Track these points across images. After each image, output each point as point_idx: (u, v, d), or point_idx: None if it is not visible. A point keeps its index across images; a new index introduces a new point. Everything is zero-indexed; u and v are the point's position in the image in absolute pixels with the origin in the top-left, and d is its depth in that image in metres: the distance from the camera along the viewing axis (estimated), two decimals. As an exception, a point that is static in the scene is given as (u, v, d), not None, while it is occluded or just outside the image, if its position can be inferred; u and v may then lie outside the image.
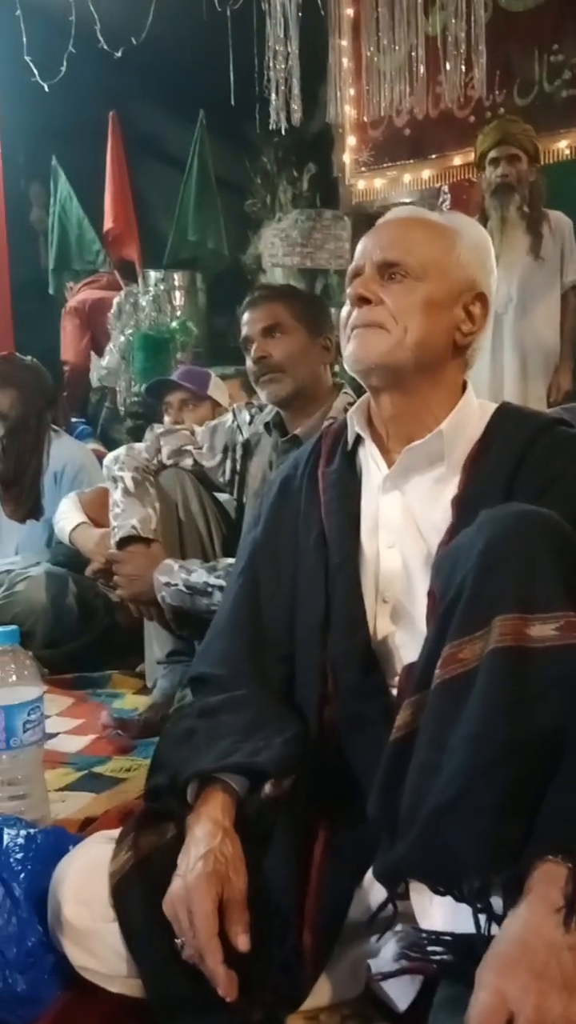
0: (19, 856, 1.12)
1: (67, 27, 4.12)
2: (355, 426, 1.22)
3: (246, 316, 2.02)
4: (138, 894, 1.02)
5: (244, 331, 2.01)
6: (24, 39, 4.14)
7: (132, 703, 2.27)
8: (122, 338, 4.36)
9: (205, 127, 4.91)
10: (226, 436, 2.17)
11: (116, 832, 1.13)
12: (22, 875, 1.09)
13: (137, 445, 2.24)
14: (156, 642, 2.20)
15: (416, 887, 0.92)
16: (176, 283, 5.13)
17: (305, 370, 1.98)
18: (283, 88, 3.47)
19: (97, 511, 2.66)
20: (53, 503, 2.99)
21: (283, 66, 3.42)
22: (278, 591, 1.25)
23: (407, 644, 1.14)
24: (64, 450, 3.10)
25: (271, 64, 3.44)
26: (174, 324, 4.41)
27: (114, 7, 4.01)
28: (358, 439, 1.24)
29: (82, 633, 2.72)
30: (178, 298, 4.99)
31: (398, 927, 0.97)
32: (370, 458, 1.21)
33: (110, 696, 2.35)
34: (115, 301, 4.48)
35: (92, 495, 2.75)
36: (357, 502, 1.21)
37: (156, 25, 4.02)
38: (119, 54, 4.09)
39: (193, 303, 5.21)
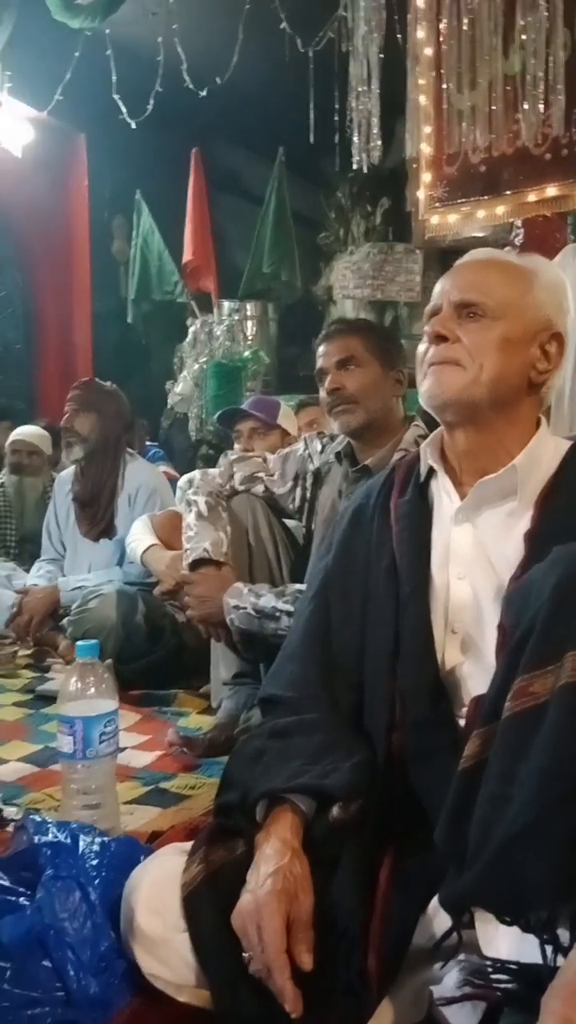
0: (94, 863, 1.17)
1: (155, 66, 4.29)
2: (429, 459, 1.25)
3: (322, 348, 2.07)
4: (209, 906, 1.06)
5: (320, 363, 2.07)
6: (114, 78, 4.32)
7: (196, 722, 2.32)
8: (196, 366, 4.47)
9: (284, 164, 5.04)
10: (297, 464, 2.21)
11: (188, 845, 1.17)
12: (97, 881, 1.14)
13: (211, 471, 2.30)
14: (223, 664, 2.24)
15: (482, 916, 0.93)
16: (248, 313, 5.25)
17: (377, 402, 2.02)
18: (364, 127, 3.55)
19: (168, 533, 2.74)
20: (126, 524, 3.09)
21: (365, 105, 3.50)
22: (348, 618, 1.28)
23: (474, 675, 1.16)
24: (139, 473, 3.20)
25: (353, 104, 3.52)
26: (247, 353, 4.50)
27: (200, 48, 4.17)
28: (431, 471, 1.27)
29: (150, 652, 2.78)
30: (250, 328, 5.10)
31: (461, 955, 0.98)
32: (442, 490, 1.24)
33: (175, 714, 2.40)
34: (191, 330, 4.60)
35: (163, 518, 2.83)
36: (428, 533, 1.23)
37: (239, 65, 4.16)
38: (204, 93, 4.24)
39: (264, 333, 5.32)
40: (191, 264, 5.05)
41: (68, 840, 1.18)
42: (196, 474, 2.31)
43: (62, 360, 5.62)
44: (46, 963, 1.06)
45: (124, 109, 4.39)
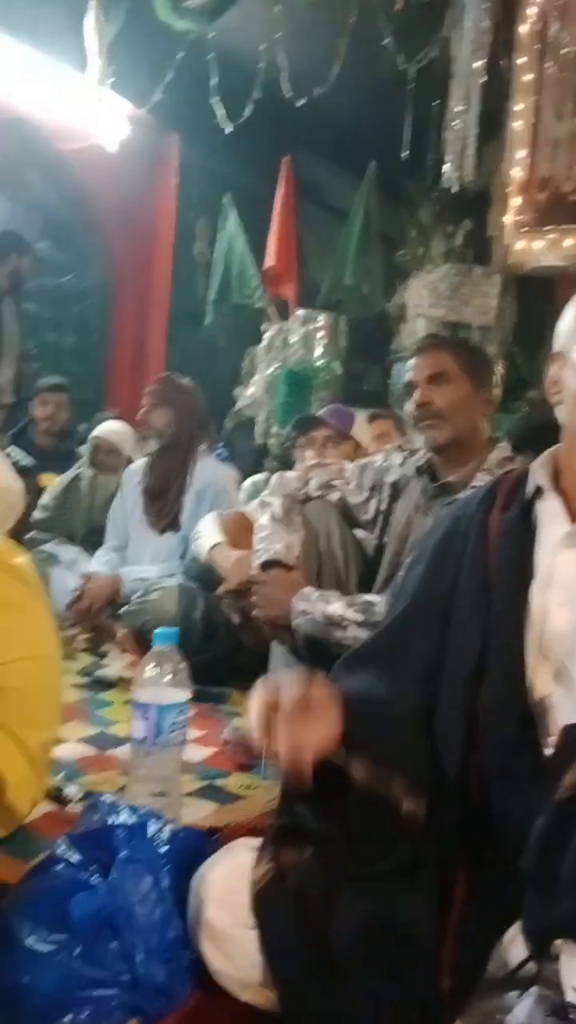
0: (163, 850, 1.17)
1: (254, 74, 4.34)
2: (539, 479, 1.23)
3: (413, 361, 2.06)
4: (278, 906, 1.05)
5: (410, 375, 2.06)
6: (213, 81, 4.38)
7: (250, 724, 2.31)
8: (268, 371, 4.50)
9: (373, 178, 5.05)
10: (375, 475, 2.21)
11: (258, 841, 1.17)
12: (167, 868, 1.14)
13: (288, 474, 2.31)
14: (282, 668, 2.23)
15: (570, 949, 0.91)
16: (320, 324, 5.26)
17: (465, 420, 2.00)
18: (458, 147, 3.54)
19: (235, 533, 2.75)
20: (192, 520, 3.11)
21: (461, 126, 3.49)
22: (431, 625, 1.26)
23: (564, 705, 1.13)
24: (209, 471, 3.23)
25: (450, 124, 3.52)
26: (319, 363, 4.52)
27: (302, 58, 4.21)
28: (537, 491, 1.25)
29: (205, 649, 2.79)
30: (321, 339, 5.11)
31: (536, 988, 0.96)
32: (551, 512, 1.22)
33: (229, 714, 2.40)
34: (266, 335, 4.63)
35: (232, 518, 2.84)
36: (530, 554, 1.21)
37: (339, 78, 4.19)
38: (302, 102, 4.28)
39: (334, 344, 5.33)
40: (273, 270, 5.08)
41: (141, 824, 1.19)
42: (274, 477, 2.31)
43: (135, 355, 5.69)
44: (114, 945, 1.06)
45: (220, 113, 4.44)
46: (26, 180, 5.31)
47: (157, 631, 1.53)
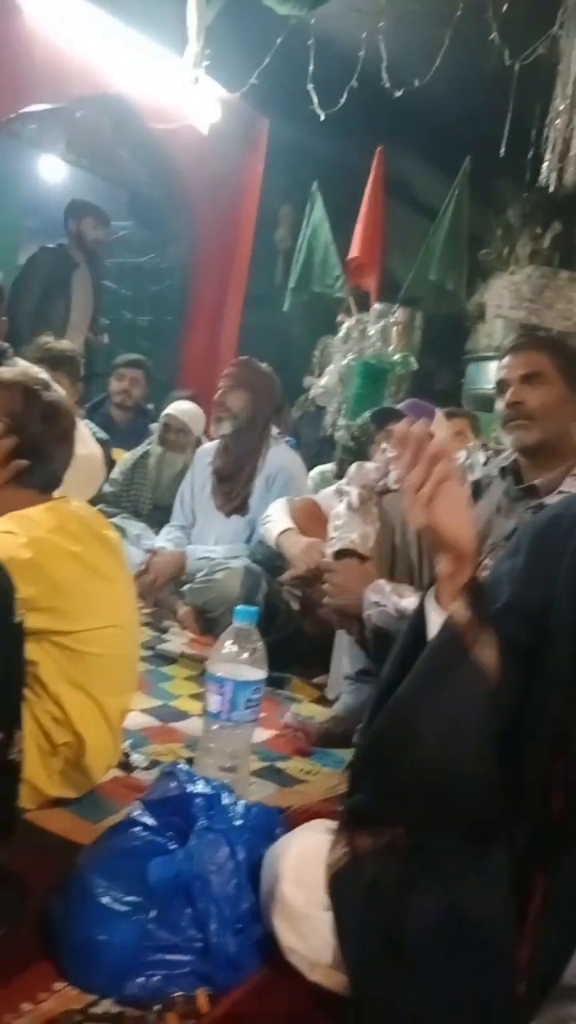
0: (238, 823, 1.18)
1: (354, 62, 4.31)
2: None
3: (507, 359, 2.02)
4: (353, 892, 1.05)
5: (502, 374, 2.02)
6: (311, 68, 4.36)
7: (308, 710, 2.31)
8: (344, 362, 4.47)
9: (468, 174, 4.97)
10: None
11: (332, 823, 1.16)
12: (242, 841, 1.14)
13: (367, 464, 2.29)
14: (347, 657, 2.23)
15: None
16: (397, 318, 5.21)
17: (556, 422, 1.95)
18: (559, 146, 3.47)
19: (304, 520, 2.75)
20: (260, 504, 3.12)
21: (564, 125, 3.42)
22: (523, 619, 1.24)
23: None
24: (280, 457, 3.23)
25: (553, 122, 3.45)
26: (396, 357, 4.48)
27: (404, 49, 4.15)
28: None
29: (266, 633, 2.78)
30: (397, 333, 5.07)
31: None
32: None
33: (288, 699, 2.41)
34: (344, 326, 4.60)
35: (302, 504, 2.85)
36: None
37: (439, 71, 4.13)
38: (399, 93, 4.24)
39: (408, 340, 5.28)
40: (356, 261, 5.05)
41: (217, 795, 1.19)
42: (353, 467, 2.29)
43: (208, 338, 5.71)
44: (188, 912, 1.07)
45: (316, 100, 4.41)
46: (116, 158, 5.37)
47: (237, 608, 1.54)
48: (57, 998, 1.01)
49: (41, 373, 1.60)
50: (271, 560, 2.90)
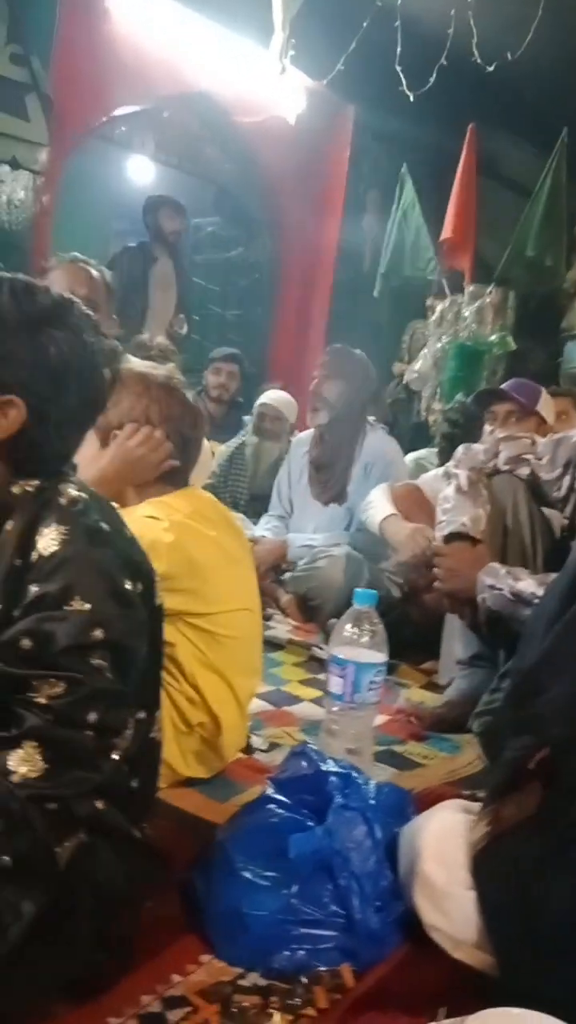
0: (372, 802, 1.18)
1: (443, 40, 4.23)
2: None
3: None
4: (496, 871, 1.03)
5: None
6: (399, 49, 4.31)
7: (418, 696, 2.30)
8: (438, 345, 4.42)
9: (564, 147, 4.82)
10: (570, 452, 2.11)
11: (467, 803, 1.15)
12: (378, 818, 1.14)
13: (475, 446, 2.25)
14: (459, 642, 2.20)
15: None
16: (491, 298, 5.11)
17: None
18: None
19: (407, 506, 2.73)
20: (358, 492, 3.11)
21: None
22: None
23: None
24: (377, 444, 3.21)
25: None
26: (493, 337, 4.39)
27: (494, 23, 4.06)
28: None
29: (369, 619, 2.79)
30: (491, 313, 4.97)
31: None
32: None
33: (397, 685, 2.40)
34: (438, 308, 4.54)
35: (402, 490, 2.82)
36: None
37: (532, 43, 4.02)
38: (491, 68, 4.14)
39: (502, 320, 5.17)
40: (450, 242, 4.97)
41: (350, 774, 1.20)
42: (460, 449, 2.26)
43: (297, 329, 5.73)
44: (329, 887, 1.07)
45: (405, 81, 4.36)
46: (203, 154, 5.43)
47: (357, 591, 1.54)
48: (205, 970, 1.03)
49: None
50: (372, 547, 2.89)
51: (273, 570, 3.22)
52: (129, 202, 6.11)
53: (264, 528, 3.34)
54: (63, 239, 4.22)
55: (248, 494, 3.90)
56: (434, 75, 4.29)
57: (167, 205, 4.83)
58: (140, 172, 6.45)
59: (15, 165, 3.90)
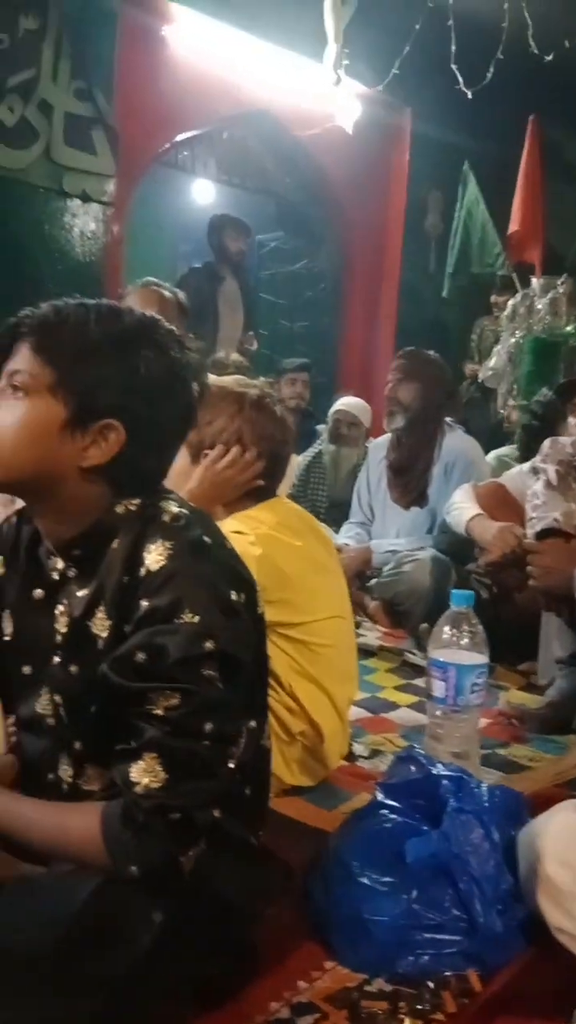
0: (486, 805, 1.16)
1: (498, 33, 4.18)
2: None
3: None
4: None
5: None
6: (453, 48, 4.27)
7: (517, 698, 2.26)
8: (512, 340, 4.35)
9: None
10: None
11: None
12: (495, 822, 1.13)
13: (562, 439, 2.21)
14: (558, 641, 2.16)
15: None
16: (562, 290, 4.99)
17: None
18: None
19: (492, 505, 2.68)
20: (440, 494, 3.08)
21: None
22: None
23: None
24: (457, 444, 3.17)
25: None
26: (569, 327, 4.30)
27: (549, 11, 3.99)
28: None
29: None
30: (565, 304, 4.85)
31: None
32: None
33: (494, 687, 2.35)
34: (510, 303, 4.48)
35: (487, 489, 2.78)
36: None
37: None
38: (549, 58, 4.07)
39: (573, 311, 5.04)
40: (517, 235, 4.89)
41: (461, 777, 1.19)
42: (546, 443, 2.22)
43: (365, 336, 5.72)
44: (450, 891, 1.06)
45: (461, 79, 4.32)
46: (263, 171, 5.48)
47: (454, 592, 1.53)
48: (330, 976, 1.04)
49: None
50: (458, 548, 2.86)
51: (358, 577, 3.22)
52: (194, 224, 6.22)
53: (346, 536, 3.34)
54: (134, 266, 4.33)
55: (328, 502, 3.90)
56: (491, 70, 4.24)
57: (231, 225, 4.90)
58: (203, 194, 6.56)
59: (85, 198, 4.02)
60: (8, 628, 1.09)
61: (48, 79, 3.78)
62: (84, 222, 4.08)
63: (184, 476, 1.56)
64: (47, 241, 3.97)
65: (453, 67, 4.32)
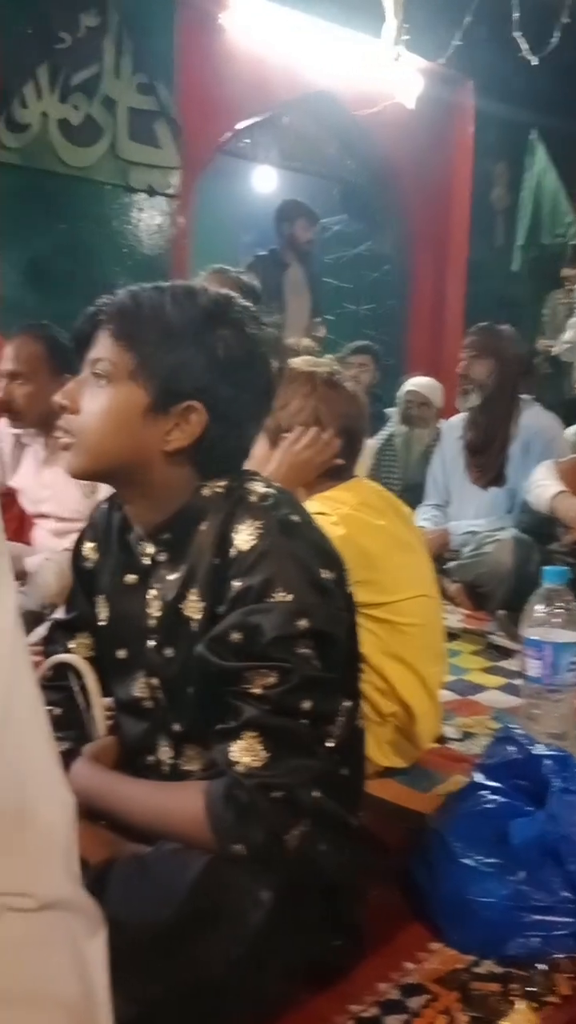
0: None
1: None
2: None
3: None
4: None
5: None
6: (516, 14, 4.15)
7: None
8: (587, 312, 4.22)
9: None
10: None
11: None
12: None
13: None
14: None
15: None
16: None
17: None
18: None
19: (574, 481, 2.62)
20: (518, 472, 3.00)
21: None
22: None
23: None
24: (535, 420, 3.09)
25: None
26: None
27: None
28: None
29: (541, 603, 2.69)
30: None
31: None
32: None
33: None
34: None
35: (568, 465, 2.70)
36: None
37: None
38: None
39: None
40: (591, 200, 4.76)
41: (565, 757, 1.15)
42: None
43: (433, 314, 5.63)
44: (559, 873, 1.04)
45: (524, 47, 4.20)
46: (325, 154, 5.44)
47: (547, 569, 1.49)
48: (437, 958, 1.02)
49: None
50: (539, 527, 2.79)
51: (437, 560, 3.16)
52: (256, 213, 6.22)
53: (422, 519, 3.29)
54: (199, 258, 4.35)
55: (401, 485, 3.84)
56: (556, 35, 4.10)
57: (303, 216, 4.89)
58: (265, 180, 6.55)
59: (151, 192, 4.05)
60: (103, 613, 1.11)
61: (111, 75, 3.82)
62: (150, 216, 4.11)
63: (264, 462, 1.56)
64: (115, 237, 4.02)
65: (516, 35, 4.20)
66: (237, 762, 0.89)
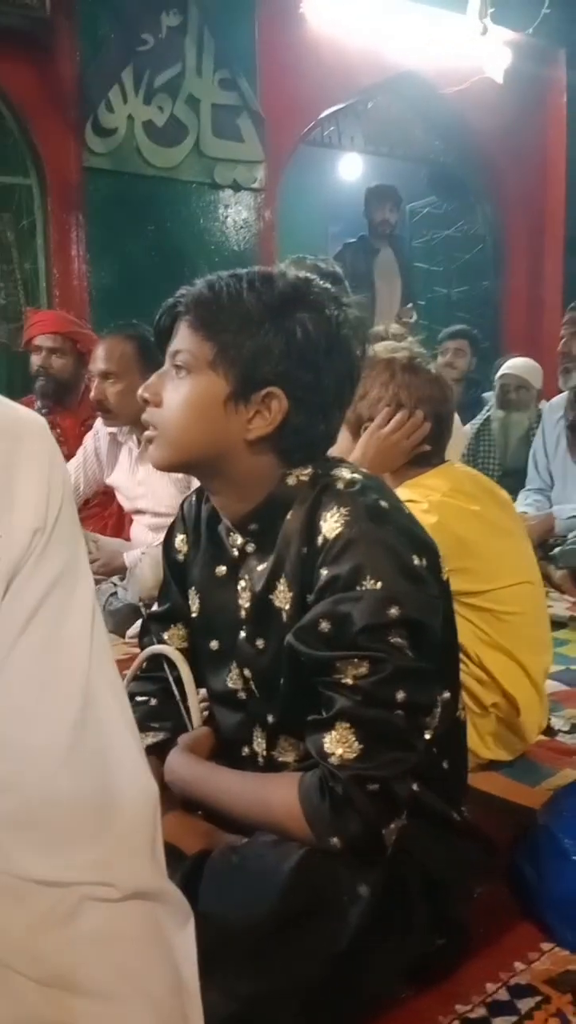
0: None
1: None
2: None
3: None
4: None
5: None
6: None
7: None
8: None
9: None
10: None
11: None
12: None
13: None
14: None
15: None
16: None
17: None
18: None
19: None
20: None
21: None
22: None
23: None
24: None
25: None
26: None
27: None
28: None
29: None
30: None
31: None
32: None
33: None
34: None
35: None
36: None
37: None
38: None
39: None
40: None
41: None
42: None
43: (529, 292, 5.45)
44: None
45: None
46: (411, 136, 5.34)
47: None
48: (549, 958, 0.98)
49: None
50: None
51: (541, 546, 3.06)
52: (343, 201, 6.16)
53: (524, 504, 3.19)
54: (286, 250, 4.33)
55: (500, 471, 3.73)
56: None
57: (390, 199, 4.83)
58: (351, 168, 6.48)
59: (236, 187, 4.08)
60: (195, 605, 1.10)
61: (193, 73, 3.86)
62: (237, 211, 4.14)
63: (347, 455, 1.52)
64: (203, 235, 4.06)
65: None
66: (331, 753, 0.87)
